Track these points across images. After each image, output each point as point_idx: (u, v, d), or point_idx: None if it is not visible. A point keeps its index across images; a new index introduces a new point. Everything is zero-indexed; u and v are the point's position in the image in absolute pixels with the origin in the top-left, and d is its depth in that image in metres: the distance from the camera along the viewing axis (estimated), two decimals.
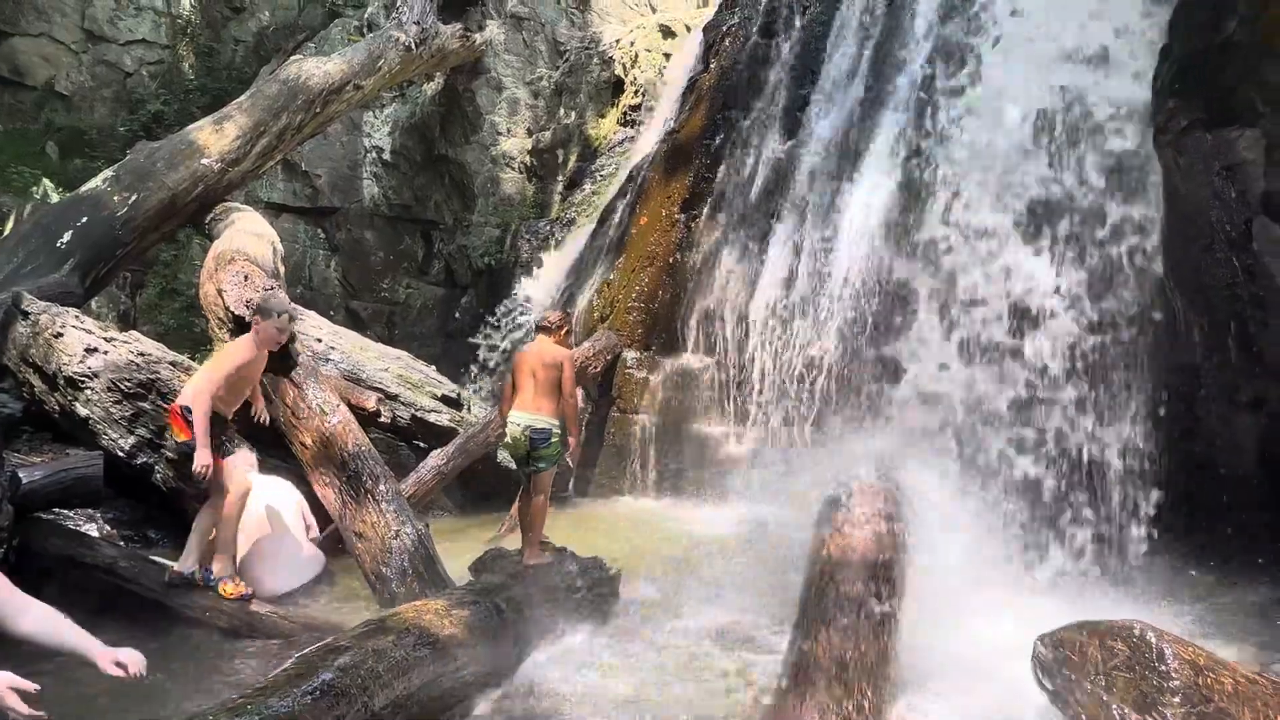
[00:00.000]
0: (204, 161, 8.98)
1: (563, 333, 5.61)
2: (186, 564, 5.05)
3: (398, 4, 12.55)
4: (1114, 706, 3.53)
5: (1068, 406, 6.34)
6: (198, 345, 9.82)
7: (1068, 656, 3.75)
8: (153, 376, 6.43)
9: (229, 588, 5.02)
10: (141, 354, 6.52)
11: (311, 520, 6.10)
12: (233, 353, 5.25)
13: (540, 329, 5.65)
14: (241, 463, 5.16)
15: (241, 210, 9.13)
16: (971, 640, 4.45)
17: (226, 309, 6.65)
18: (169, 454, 6.25)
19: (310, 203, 13.77)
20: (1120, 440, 6.18)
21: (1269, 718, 3.56)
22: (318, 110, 10.33)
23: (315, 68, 10.45)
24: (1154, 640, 3.56)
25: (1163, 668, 3.49)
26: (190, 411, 4.88)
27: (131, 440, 6.22)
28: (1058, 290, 6.59)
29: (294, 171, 13.60)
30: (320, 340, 7.87)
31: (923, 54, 8.73)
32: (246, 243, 7.59)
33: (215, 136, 9.22)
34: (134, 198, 8.54)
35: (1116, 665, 3.57)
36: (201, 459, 4.82)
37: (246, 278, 6.81)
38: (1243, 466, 5.92)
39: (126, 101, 14.15)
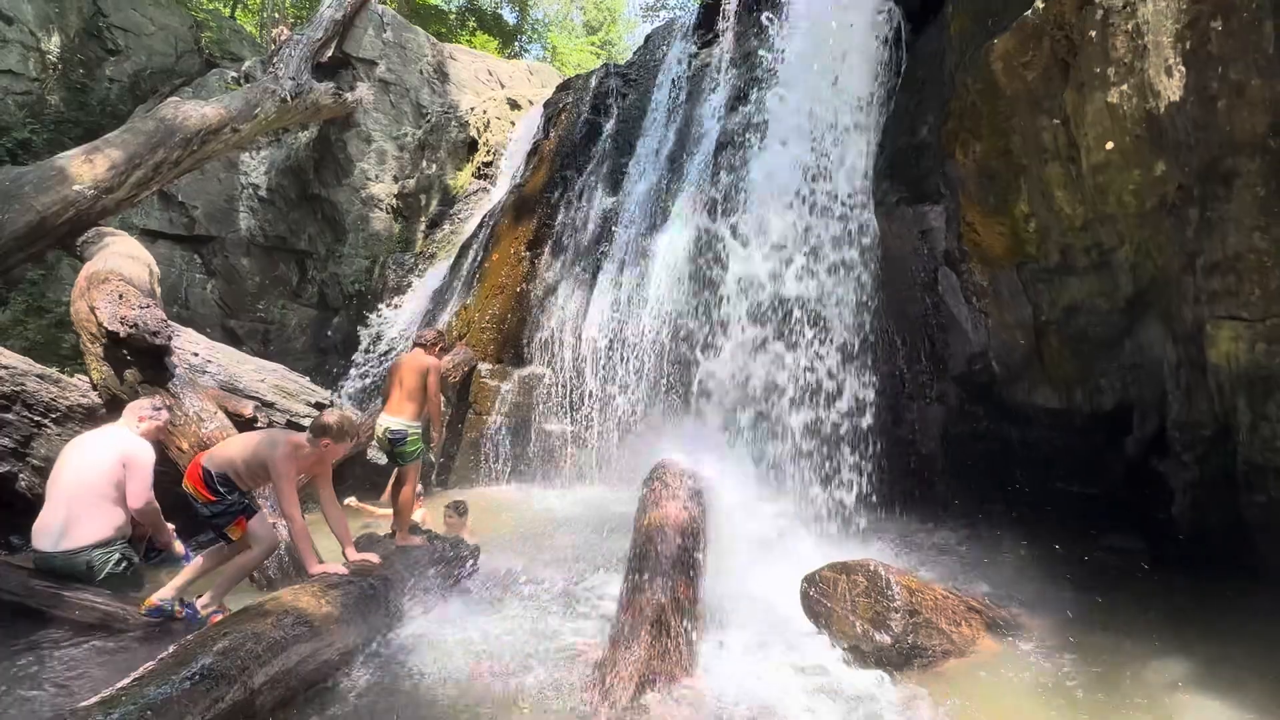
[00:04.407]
0: (76, 188, 7.65)
1: (436, 349, 5.28)
2: (165, 598, 4.12)
3: (275, 60, 11.45)
4: (857, 624, 3.82)
5: (820, 402, 6.78)
6: (66, 361, 8.33)
7: (825, 589, 4.02)
8: (18, 389, 5.38)
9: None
10: (5, 367, 5.43)
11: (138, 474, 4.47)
12: (294, 455, 4.11)
13: (417, 343, 5.30)
14: (264, 520, 4.28)
15: (116, 234, 7.86)
16: (756, 583, 4.64)
17: (100, 325, 5.68)
18: (35, 462, 5.24)
19: (187, 231, 12.15)
20: (852, 426, 6.68)
21: (955, 621, 4.01)
22: (195, 148, 9.15)
23: (193, 109, 9.27)
24: (883, 573, 3.91)
25: (889, 592, 3.82)
26: (208, 474, 3.98)
27: None
28: (809, 319, 7.07)
29: (170, 202, 11.95)
30: (197, 354, 6.92)
31: (713, 136, 9.17)
32: (121, 264, 6.53)
33: (87, 166, 7.88)
34: None
35: (859, 593, 3.87)
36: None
37: (121, 296, 5.86)
38: (931, 444, 6.62)
39: None
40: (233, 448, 4.20)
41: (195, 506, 4.09)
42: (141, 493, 4.43)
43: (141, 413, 4.75)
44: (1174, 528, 4.90)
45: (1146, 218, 4.35)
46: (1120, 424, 5.19)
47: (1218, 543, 4.67)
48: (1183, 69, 3.78)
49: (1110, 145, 4.26)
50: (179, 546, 4.84)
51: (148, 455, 4.55)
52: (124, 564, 4.35)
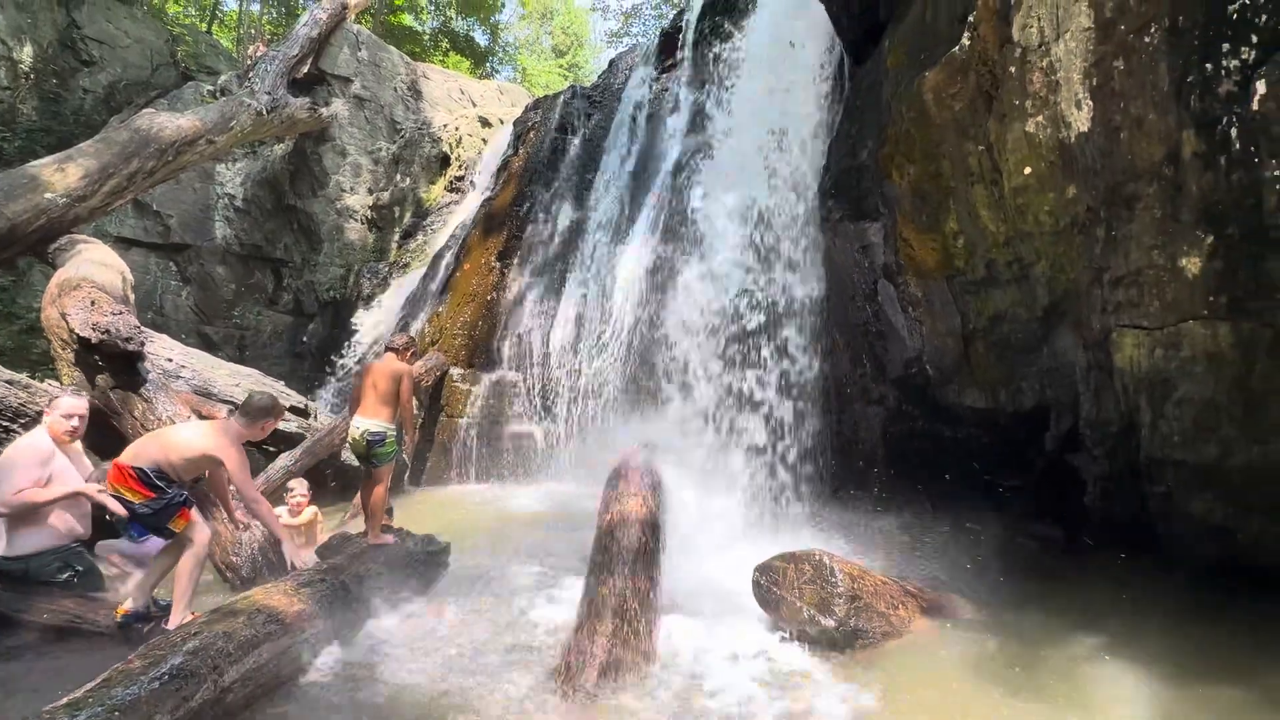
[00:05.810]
0: (48, 196, 7.30)
1: (408, 354, 5.17)
2: (139, 602, 3.85)
3: (251, 75, 11.13)
4: (804, 609, 3.87)
5: (772, 402, 6.86)
6: (36, 366, 7.92)
7: (775, 578, 4.05)
8: None
9: None
10: None
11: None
12: (239, 444, 3.92)
13: (389, 348, 5.18)
14: (197, 510, 4.00)
15: (89, 242, 7.51)
16: (711, 573, 4.65)
17: (71, 331, 5.42)
18: None
19: (162, 239, 11.69)
20: (804, 425, 6.78)
21: (893, 604, 4.08)
22: (170, 159, 8.82)
23: (168, 121, 8.94)
24: (827, 561, 3.95)
25: (833, 579, 3.87)
26: (142, 472, 3.66)
27: None
28: (762, 325, 7.15)
29: (145, 210, 11.49)
30: (171, 360, 6.66)
31: (673, 155, 9.23)
32: (93, 271, 6.24)
33: (60, 174, 7.53)
34: None
35: (805, 580, 3.92)
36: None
37: (94, 303, 5.61)
38: (872, 441, 6.73)
39: None
40: (161, 444, 3.84)
41: (131, 508, 3.73)
42: (5, 493, 3.79)
43: (46, 408, 4.20)
44: (1087, 516, 5.09)
45: (1060, 236, 4.53)
46: (1039, 422, 5.36)
47: (1124, 529, 4.87)
48: (1090, 103, 3.95)
49: (1028, 170, 4.42)
50: (114, 503, 3.85)
51: (20, 453, 3.91)
52: (67, 572, 4.00)
